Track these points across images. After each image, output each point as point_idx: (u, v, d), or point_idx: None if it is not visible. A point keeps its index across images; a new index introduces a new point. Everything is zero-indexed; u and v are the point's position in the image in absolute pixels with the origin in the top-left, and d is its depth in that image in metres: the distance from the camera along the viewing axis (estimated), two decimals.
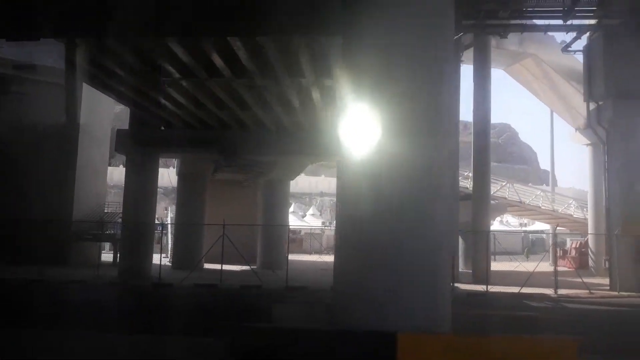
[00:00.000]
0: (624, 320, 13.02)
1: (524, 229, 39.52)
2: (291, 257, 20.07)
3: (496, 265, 27.42)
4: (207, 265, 22.01)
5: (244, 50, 10.96)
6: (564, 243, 32.80)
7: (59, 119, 23.25)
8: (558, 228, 32.60)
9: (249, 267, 20.59)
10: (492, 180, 28.52)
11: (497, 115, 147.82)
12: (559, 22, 18.37)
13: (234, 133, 19.37)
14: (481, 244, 21.38)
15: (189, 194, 23.51)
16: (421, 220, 6.74)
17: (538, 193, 29.51)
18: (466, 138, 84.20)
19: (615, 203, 18.81)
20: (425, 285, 6.44)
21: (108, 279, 18.04)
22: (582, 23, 19.34)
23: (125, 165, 21.69)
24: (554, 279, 17.67)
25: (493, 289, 17.55)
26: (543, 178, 69.75)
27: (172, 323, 9.78)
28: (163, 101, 15.56)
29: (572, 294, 17.09)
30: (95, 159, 25.67)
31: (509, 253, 34.34)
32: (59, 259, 22.22)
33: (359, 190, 6.95)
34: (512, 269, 25.50)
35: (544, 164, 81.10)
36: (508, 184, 28.75)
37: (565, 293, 17.16)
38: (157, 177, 20.84)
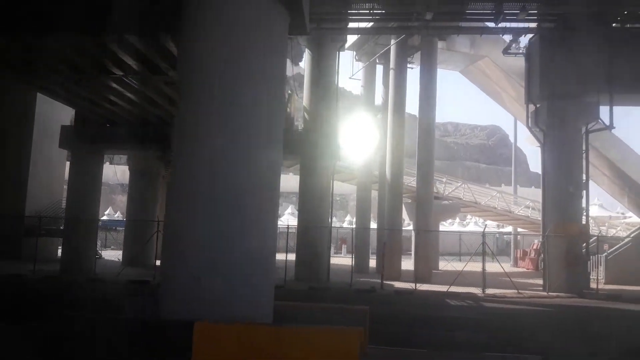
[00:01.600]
0: (522, 320, 13.21)
1: (490, 230, 39.52)
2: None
3: (456, 265, 27.58)
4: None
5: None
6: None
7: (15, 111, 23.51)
8: (521, 229, 32.91)
9: None
10: (448, 181, 28.85)
11: (487, 118, 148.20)
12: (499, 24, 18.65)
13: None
14: (422, 243, 21.61)
15: (140, 190, 23.71)
16: (251, 220, 6.95)
17: (494, 194, 29.69)
18: (459, 140, 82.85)
19: (549, 204, 19.03)
20: (246, 279, 6.64)
21: (45, 274, 18.21)
22: (521, 26, 19.55)
23: (70, 161, 21.86)
24: (508, 279, 18.06)
25: (423, 287, 17.79)
26: (532, 180, 70.03)
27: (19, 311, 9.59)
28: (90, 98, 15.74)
29: (499, 294, 17.29)
30: (52, 154, 25.80)
31: (476, 254, 34.54)
32: (13, 253, 22.48)
33: (194, 188, 7.14)
34: (472, 269, 25.61)
35: (534, 166, 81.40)
36: (463, 185, 28.95)
37: (493, 292, 17.36)
38: (101, 173, 21.02)
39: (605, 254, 23.36)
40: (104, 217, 34.28)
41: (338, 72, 20.16)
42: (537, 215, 29.94)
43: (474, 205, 28.68)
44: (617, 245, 23.68)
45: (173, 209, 7.06)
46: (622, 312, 14.45)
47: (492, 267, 26.30)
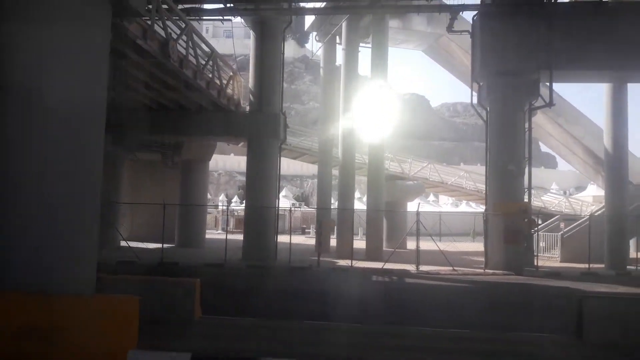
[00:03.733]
0: (411, 294, 13.46)
1: (460, 210, 39.68)
2: (231, 236, 20.90)
3: (430, 245, 27.79)
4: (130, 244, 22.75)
5: None
6: None
7: None
8: None
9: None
10: (414, 161, 28.95)
11: None
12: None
13: (127, 115, 19.83)
14: (373, 222, 21.86)
15: (104, 173, 24.20)
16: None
17: (462, 174, 29.66)
18: (468, 120, 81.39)
19: (492, 183, 19.09)
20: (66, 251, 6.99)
21: None
22: (469, 2, 19.41)
23: None
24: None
25: (360, 264, 18.16)
26: (543, 161, 69.40)
27: None
28: None
29: (433, 271, 17.53)
30: None
31: (458, 234, 34.76)
32: None
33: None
34: (446, 249, 25.66)
35: (544, 147, 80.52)
36: (429, 165, 29.01)
37: (428, 269, 17.61)
38: None
39: (561, 232, 23.40)
40: None
41: (283, 52, 20.26)
42: None
43: (441, 185, 28.76)
44: (574, 224, 23.65)
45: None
46: (541, 288, 14.59)
47: (470, 246, 26.80)
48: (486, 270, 17.84)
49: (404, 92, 70.91)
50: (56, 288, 6.61)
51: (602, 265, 19.94)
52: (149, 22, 12.21)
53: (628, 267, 19.93)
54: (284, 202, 41.77)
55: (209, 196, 40.10)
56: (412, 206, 34.69)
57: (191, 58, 15.16)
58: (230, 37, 67.57)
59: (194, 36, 15.19)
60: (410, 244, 28.34)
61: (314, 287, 13.81)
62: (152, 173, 27.75)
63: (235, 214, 41.19)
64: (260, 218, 19.27)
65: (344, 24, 22.70)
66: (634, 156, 30.90)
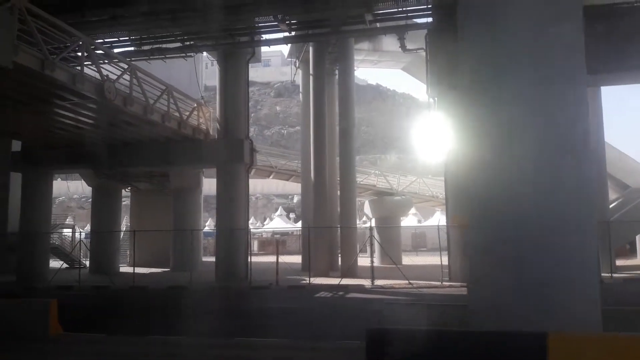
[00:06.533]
0: (360, 307, 13.74)
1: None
2: None
3: (414, 260, 27.82)
4: (127, 269, 24.31)
5: None
6: None
7: None
8: None
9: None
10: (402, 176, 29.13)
11: None
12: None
13: (107, 149, 21.34)
14: (346, 239, 22.26)
15: (101, 204, 26.09)
16: None
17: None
18: None
19: (449, 195, 19.20)
20: None
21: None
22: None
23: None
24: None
25: (318, 280, 18.72)
26: None
27: None
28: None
29: (388, 285, 17.75)
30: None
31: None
32: None
33: None
34: (428, 263, 25.70)
35: None
36: (418, 180, 29.07)
37: (383, 284, 17.84)
38: (51, 191, 23.39)
39: None
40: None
41: (247, 81, 21.36)
42: None
43: (433, 199, 28.73)
44: None
45: None
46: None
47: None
48: (443, 283, 17.88)
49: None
50: None
51: None
52: (79, 68, 13.64)
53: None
54: (278, 222, 42.48)
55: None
56: (409, 221, 34.93)
57: (138, 95, 16.45)
58: (267, 66, 70.94)
59: (138, 73, 16.51)
60: (407, 259, 28.54)
61: (235, 305, 14.62)
62: (152, 202, 29.30)
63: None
64: (230, 240, 20.15)
65: (311, 51, 23.60)
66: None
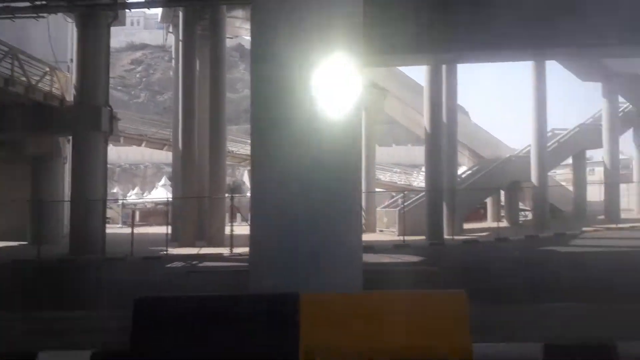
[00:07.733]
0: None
1: None
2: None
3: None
4: None
5: None
6: None
7: None
8: None
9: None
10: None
11: None
12: None
13: None
14: (217, 209, 22.47)
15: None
16: None
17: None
18: None
19: None
20: None
21: None
22: None
23: None
24: None
25: (177, 251, 18.88)
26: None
27: None
28: None
29: (245, 252, 18.27)
30: None
31: None
32: None
33: None
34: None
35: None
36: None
37: (241, 251, 18.32)
38: None
39: (399, 208, 24.75)
40: None
41: (109, 45, 20.36)
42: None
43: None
44: (413, 199, 25.11)
45: None
46: None
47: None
48: None
49: None
50: None
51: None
52: None
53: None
54: (162, 191, 41.50)
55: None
56: None
57: None
58: (161, 29, 66.35)
59: None
60: None
61: (64, 279, 14.29)
62: (8, 171, 27.10)
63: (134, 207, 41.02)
64: (86, 211, 19.41)
65: (180, 16, 22.99)
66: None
